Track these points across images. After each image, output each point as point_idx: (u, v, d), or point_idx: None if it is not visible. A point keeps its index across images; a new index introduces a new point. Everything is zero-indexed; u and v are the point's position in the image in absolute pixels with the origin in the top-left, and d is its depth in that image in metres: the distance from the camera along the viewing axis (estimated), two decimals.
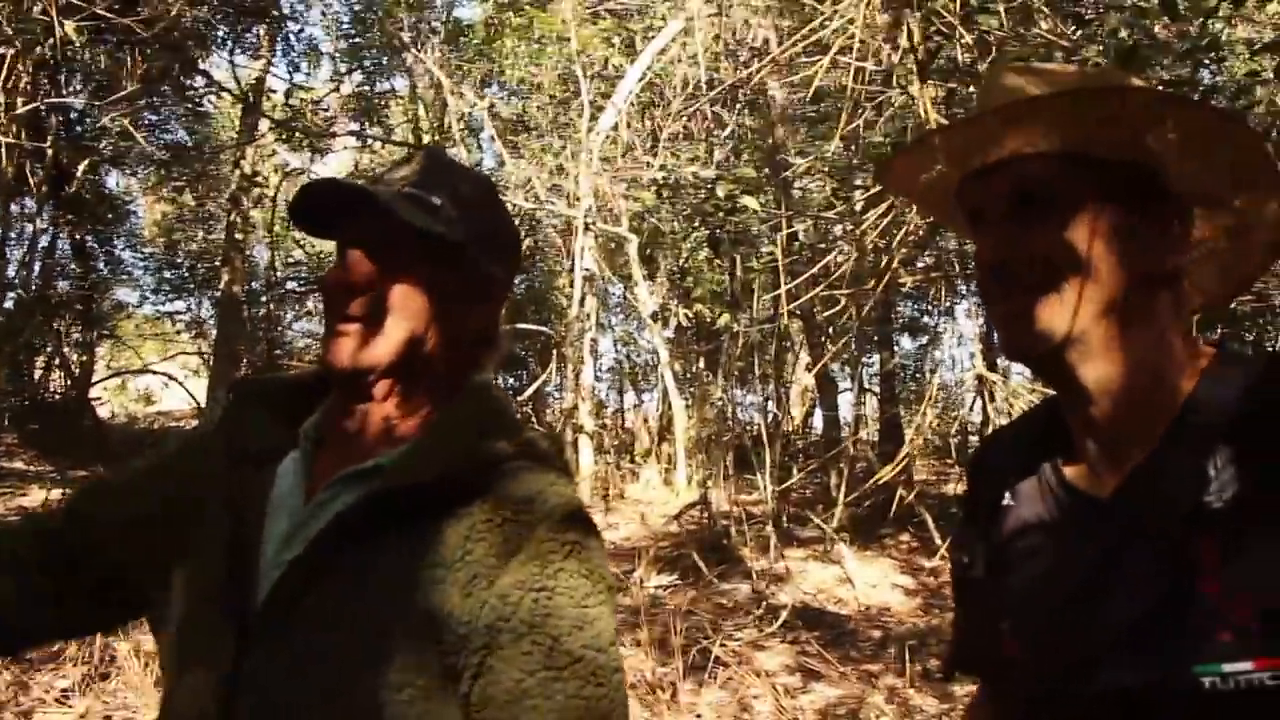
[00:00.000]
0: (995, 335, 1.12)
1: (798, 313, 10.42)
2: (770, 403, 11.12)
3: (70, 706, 5.06)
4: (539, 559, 1.07)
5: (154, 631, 1.25)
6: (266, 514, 1.18)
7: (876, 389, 12.60)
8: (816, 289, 6.08)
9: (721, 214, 5.75)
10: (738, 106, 10.25)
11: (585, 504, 1.18)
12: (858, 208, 6.04)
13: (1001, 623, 1.08)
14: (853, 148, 7.16)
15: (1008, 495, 1.12)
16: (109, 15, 7.95)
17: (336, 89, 11.47)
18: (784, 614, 6.51)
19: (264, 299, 14.86)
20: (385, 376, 1.18)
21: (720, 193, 5.09)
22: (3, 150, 9.16)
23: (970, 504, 1.20)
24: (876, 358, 12.47)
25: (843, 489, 7.50)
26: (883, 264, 5.36)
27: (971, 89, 4.56)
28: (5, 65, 8.46)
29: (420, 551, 1.08)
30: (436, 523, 1.09)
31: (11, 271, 11.61)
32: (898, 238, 4.87)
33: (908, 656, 5.70)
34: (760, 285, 9.34)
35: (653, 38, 9.87)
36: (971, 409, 18.90)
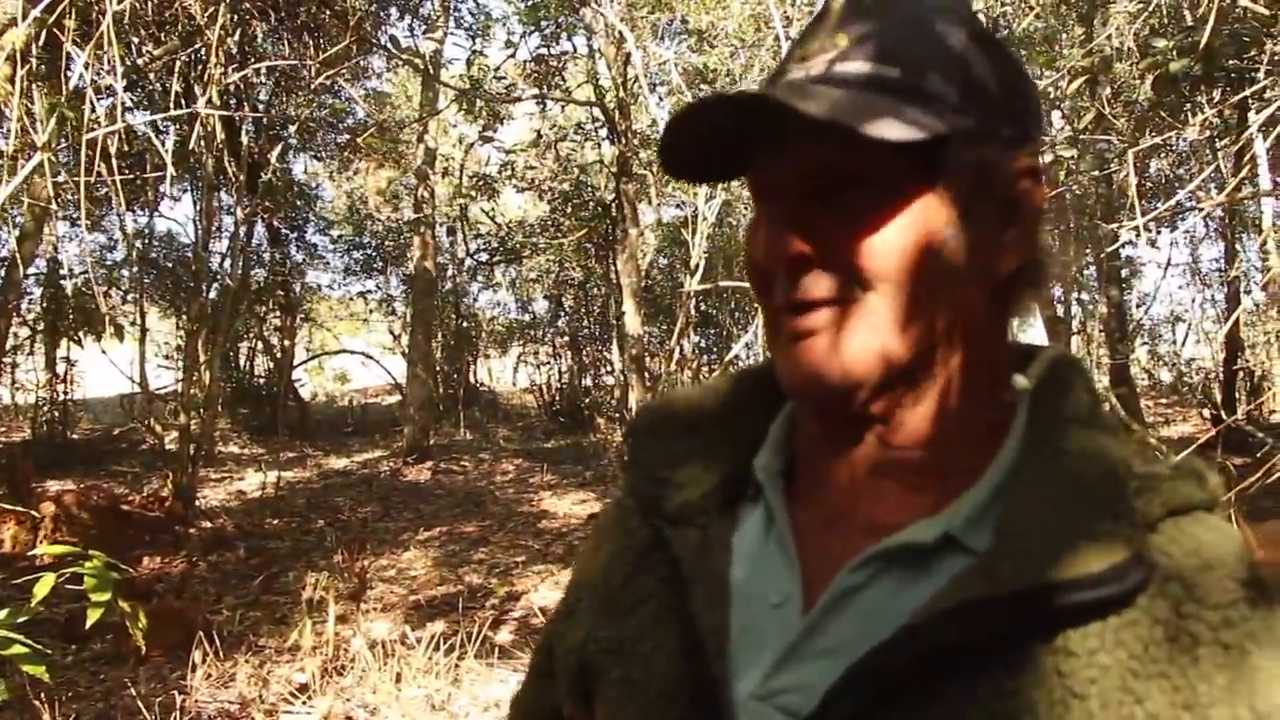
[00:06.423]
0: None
1: None
2: None
3: (310, 704, 4.93)
4: (1240, 665, 0.63)
5: None
6: (730, 602, 0.75)
7: (1099, 330, 11.75)
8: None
9: None
10: None
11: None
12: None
13: None
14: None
15: None
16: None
17: (513, 54, 11.32)
18: None
19: (449, 273, 14.98)
20: (891, 384, 0.73)
21: None
22: (205, 145, 9.42)
23: None
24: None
25: None
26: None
27: None
28: (199, 63, 8.61)
29: (1041, 692, 0.63)
30: (1058, 635, 0.64)
31: (215, 263, 11.94)
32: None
33: None
34: None
35: None
36: (1184, 344, 17.92)
